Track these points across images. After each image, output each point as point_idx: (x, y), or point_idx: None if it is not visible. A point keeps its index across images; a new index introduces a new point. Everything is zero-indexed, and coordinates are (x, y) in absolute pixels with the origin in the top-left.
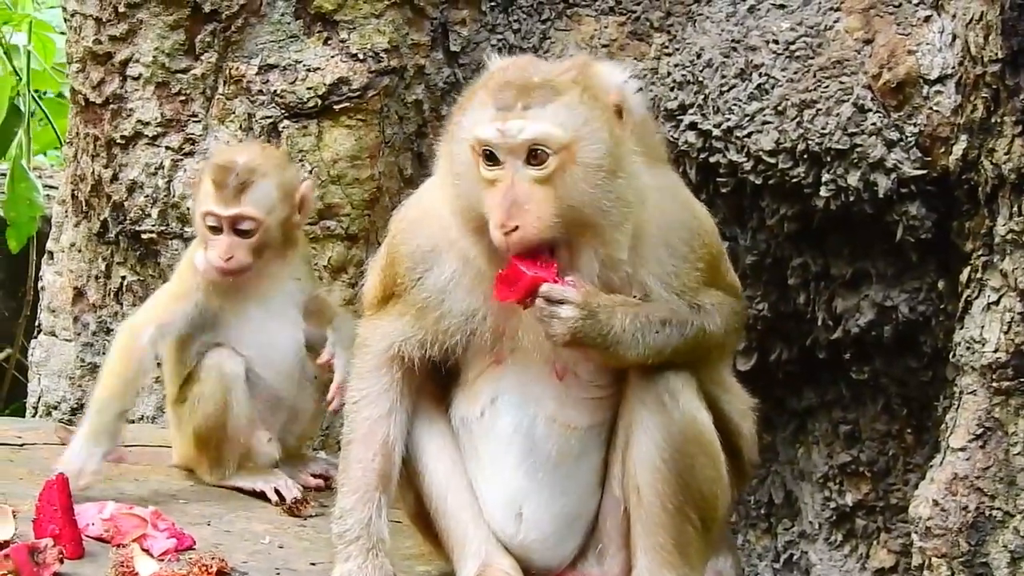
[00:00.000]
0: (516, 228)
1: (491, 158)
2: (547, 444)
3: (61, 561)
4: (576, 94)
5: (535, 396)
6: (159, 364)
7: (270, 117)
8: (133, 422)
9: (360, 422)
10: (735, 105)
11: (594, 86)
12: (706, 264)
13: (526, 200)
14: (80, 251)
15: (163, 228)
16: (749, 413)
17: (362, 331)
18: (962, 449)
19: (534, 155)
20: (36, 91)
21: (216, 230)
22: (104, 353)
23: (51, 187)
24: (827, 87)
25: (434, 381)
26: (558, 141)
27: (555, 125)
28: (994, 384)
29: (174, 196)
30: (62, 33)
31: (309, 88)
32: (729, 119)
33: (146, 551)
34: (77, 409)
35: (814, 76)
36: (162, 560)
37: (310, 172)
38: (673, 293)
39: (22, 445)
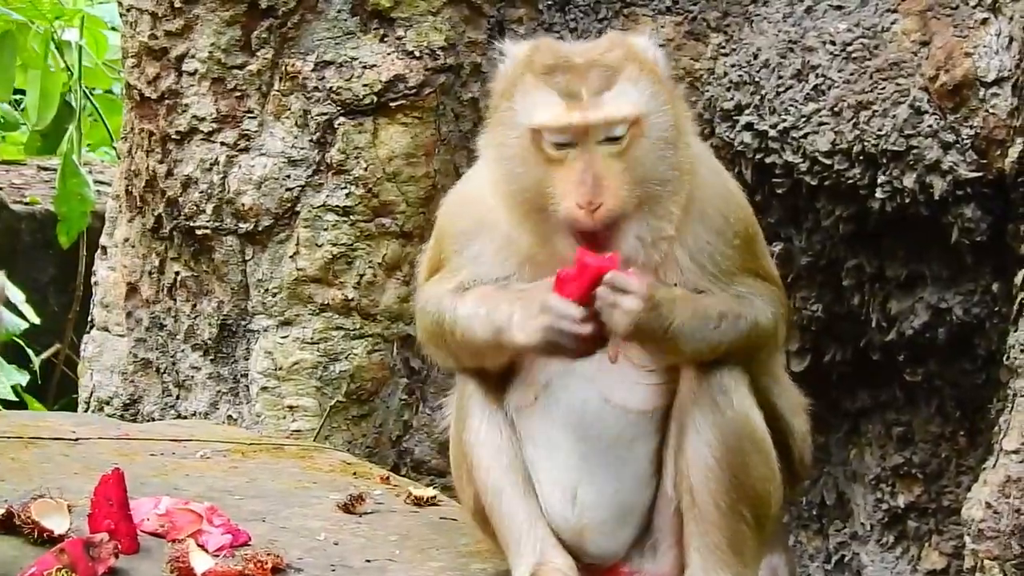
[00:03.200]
0: (600, 205)
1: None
2: (601, 425)
3: (116, 556)
4: (635, 69)
5: (588, 378)
6: None
7: (326, 114)
8: (185, 417)
9: (457, 298)
10: (791, 106)
11: (643, 59)
12: (742, 241)
13: (605, 176)
14: (134, 246)
15: (217, 224)
16: (801, 411)
17: (419, 298)
18: (1015, 452)
19: (609, 133)
20: (88, 87)
21: None
22: (157, 349)
23: (102, 183)
24: (883, 89)
25: (488, 375)
26: (631, 117)
27: (627, 103)
28: None
29: (229, 192)
30: (114, 29)
31: (365, 85)
32: (785, 120)
33: (201, 547)
34: (129, 404)
35: (870, 77)
36: (217, 556)
37: (365, 169)
38: (708, 276)
39: (77, 440)
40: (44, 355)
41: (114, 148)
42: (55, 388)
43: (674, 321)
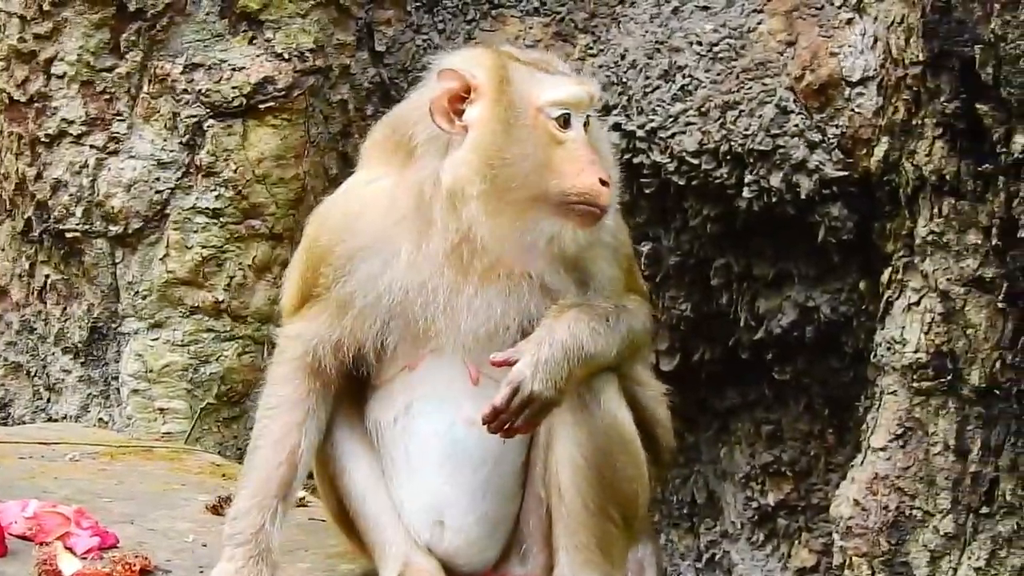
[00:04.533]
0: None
1: (565, 122)
2: (466, 448)
3: None
4: None
5: (451, 400)
6: None
7: (195, 116)
8: (56, 420)
9: (272, 428)
10: (659, 106)
11: None
12: (626, 260)
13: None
14: (3, 250)
15: (87, 227)
16: (662, 399)
17: (279, 338)
18: (883, 449)
19: (594, 109)
20: None
21: None
22: (27, 352)
23: None
24: (750, 88)
25: (354, 385)
26: None
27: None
28: (914, 384)
29: (98, 195)
30: None
31: (234, 87)
32: (653, 120)
33: (69, 549)
34: (1, 408)
35: (737, 77)
36: (85, 558)
37: (235, 171)
38: (601, 294)
39: None
40: None
41: None
42: None
43: (574, 350)
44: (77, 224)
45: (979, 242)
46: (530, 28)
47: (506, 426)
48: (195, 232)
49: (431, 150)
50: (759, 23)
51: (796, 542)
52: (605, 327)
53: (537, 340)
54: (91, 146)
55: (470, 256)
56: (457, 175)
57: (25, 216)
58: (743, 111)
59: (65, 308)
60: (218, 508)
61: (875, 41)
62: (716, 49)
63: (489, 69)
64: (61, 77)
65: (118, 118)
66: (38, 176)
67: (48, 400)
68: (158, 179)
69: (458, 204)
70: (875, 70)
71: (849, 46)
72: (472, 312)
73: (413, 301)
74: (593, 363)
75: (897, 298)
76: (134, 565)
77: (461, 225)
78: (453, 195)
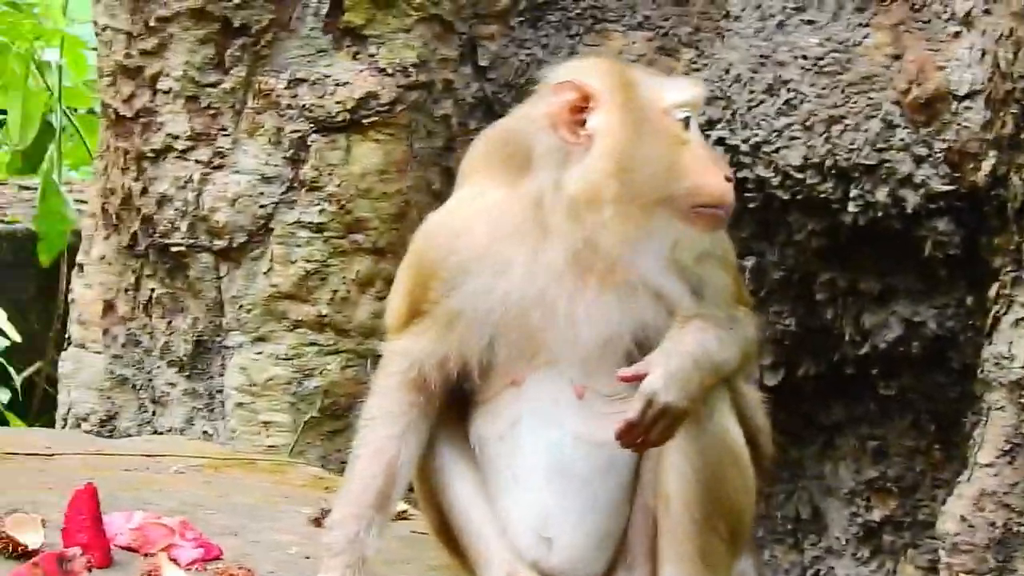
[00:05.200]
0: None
1: (686, 123)
2: (574, 464)
3: (89, 570)
4: None
5: (557, 417)
6: None
7: (299, 131)
8: (161, 433)
9: (372, 439)
10: (763, 120)
11: None
12: (734, 271)
13: None
14: (110, 264)
15: (192, 241)
16: (760, 406)
17: (384, 353)
18: (990, 465)
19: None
20: (68, 107)
21: None
22: (132, 365)
23: (82, 202)
24: (855, 103)
25: (456, 400)
26: None
27: None
28: (1022, 400)
29: (203, 209)
30: (94, 49)
31: (338, 102)
32: (757, 134)
33: (174, 560)
34: (106, 421)
35: (842, 92)
36: (189, 570)
37: (338, 186)
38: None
39: (52, 455)
40: (25, 373)
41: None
42: (37, 406)
43: (703, 362)
44: (182, 238)
45: None
46: (633, 43)
47: (639, 440)
48: (298, 246)
49: (550, 161)
50: (865, 37)
51: (902, 559)
52: (728, 336)
53: (666, 352)
54: (196, 161)
55: (589, 264)
56: (588, 182)
57: (131, 230)
58: (848, 125)
59: (170, 322)
60: (321, 520)
61: (983, 55)
62: (821, 63)
63: (609, 76)
64: (167, 92)
65: (223, 133)
66: (143, 191)
67: (153, 413)
68: (262, 193)
69: (583, 212)
70: (982, 84)
71: (956, 60)
72: (590, 321)
73: (529, 312)
74: (720, 372)
75: (1005, 313)
76: None
77: (584, 233)
78: (579, 203)
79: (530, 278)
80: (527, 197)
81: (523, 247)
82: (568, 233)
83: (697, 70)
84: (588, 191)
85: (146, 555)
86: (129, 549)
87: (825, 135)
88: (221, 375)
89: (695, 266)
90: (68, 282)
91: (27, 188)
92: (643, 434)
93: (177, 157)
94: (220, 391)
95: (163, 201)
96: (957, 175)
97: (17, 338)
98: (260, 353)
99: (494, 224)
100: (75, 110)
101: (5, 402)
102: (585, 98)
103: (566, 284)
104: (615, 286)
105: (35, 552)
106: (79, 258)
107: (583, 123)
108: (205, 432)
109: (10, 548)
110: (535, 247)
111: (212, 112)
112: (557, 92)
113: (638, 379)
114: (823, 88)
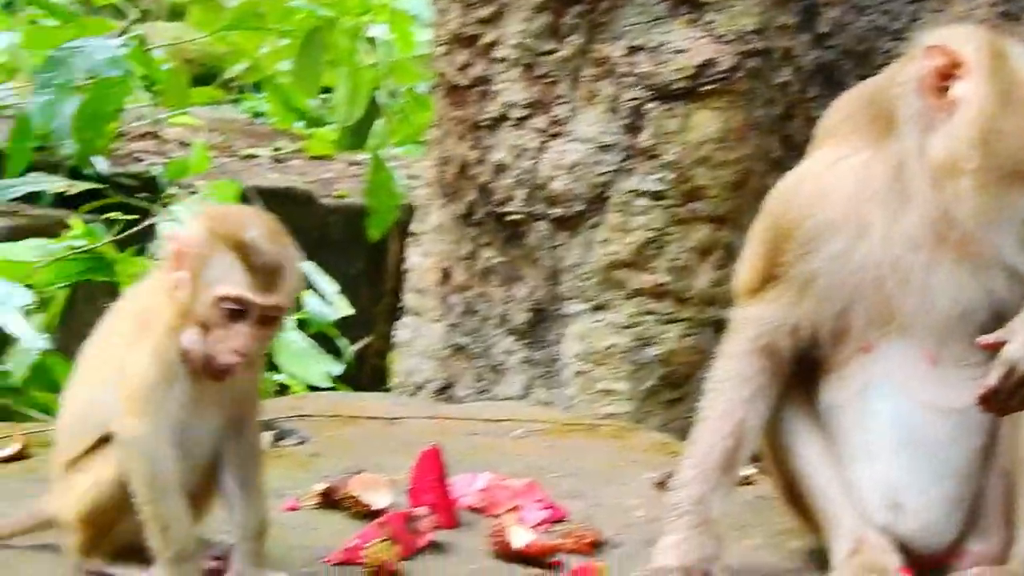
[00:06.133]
0: None
1: None
2: (925, 430)
3: (436, 529)
4: None
5: (908, 384)
6: None
7: (636, 99)
8: (498, 401)
9: (720, 402)
10: None
11: None
12: None
13: None
14: (447, 233)
15: (529, 210)
16: None
17: (734, 319)
18: None
19: None
20: (395, 83)
21: (237, 316)
22: (470, 334)
23: (410, 177)
24: None
25: (803, 366)
26: None
27: None
28: None
29: (540, 178)
30: (423, 24)
31: (676, 70)
32: None
33: (520, 522)
34: (443, 389)
35: None
36: (536, 531)
37: (676, 154)
38: None
39: (394, 419)
40: (356, 346)
41: (420, 143)
42: (367, 378)
43: None
44: (519, 207)
45: None
46: (975, 9)
47: (999, 406)
48: (636, 215)
49: (914, 126)
50: None
51: None
52: None
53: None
54: (533, 129)
55: (944, 235)
56: (951, 149)
57: (467, 200)
58: None
59: (507, 290)
60: (665, 484)
61: None
62: None
63: (980, 45)
64: (502, 61)
65: (559, 101)
66: (480, 160)
67: (491, 381)
68: (599, 162)
69: (944, 179)
70: None
71: None
72: (945, 292)
73: (884, 279)
74: None
75: None
76: (585, 538)
77: (943, 201)
78: (941, 170)
79: (887, 244)
80: (890, 160)
81: (883, 211)
82: (928, 201)
83: None
84: (949, 159)
85: (492, 516)
86: (474, 510)
87: None
88: (559, 343)
89: None
90: (398, 256)
91: (354, 164)
92: (1004, 400)
93: (513, 126)
94: (557, 359)
95: (500, 170)
96: None
97: (350, 311)
98: (599, 321)
99: (853, 187)
100: (401, 87)
101: (338, 374)
102: (954, 64)
103: (922, 253)
104: (969, 258)
105: (381, 512)
106: (414, 227)
107: (946, 89)
108: (543, 400)
109: (356, 508)
110: (894, 213)
111: (549, 80)
112: (927, 56)
113: (998, 347)
114: None
